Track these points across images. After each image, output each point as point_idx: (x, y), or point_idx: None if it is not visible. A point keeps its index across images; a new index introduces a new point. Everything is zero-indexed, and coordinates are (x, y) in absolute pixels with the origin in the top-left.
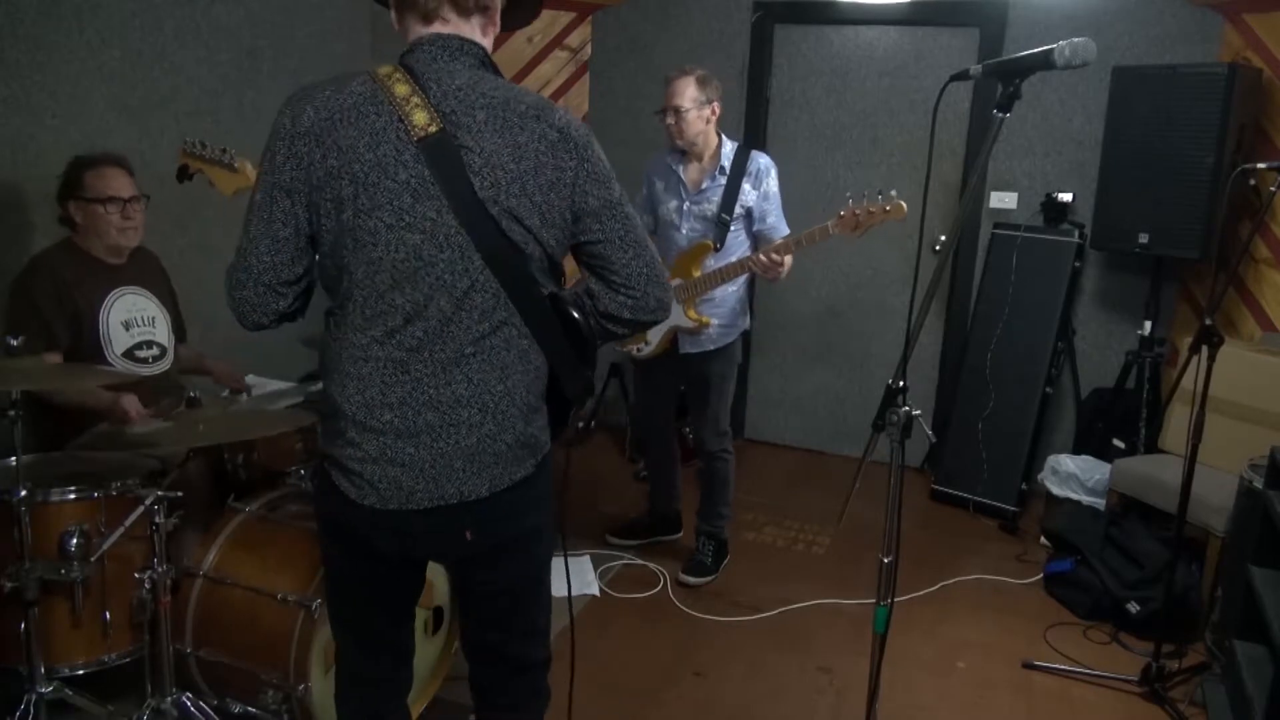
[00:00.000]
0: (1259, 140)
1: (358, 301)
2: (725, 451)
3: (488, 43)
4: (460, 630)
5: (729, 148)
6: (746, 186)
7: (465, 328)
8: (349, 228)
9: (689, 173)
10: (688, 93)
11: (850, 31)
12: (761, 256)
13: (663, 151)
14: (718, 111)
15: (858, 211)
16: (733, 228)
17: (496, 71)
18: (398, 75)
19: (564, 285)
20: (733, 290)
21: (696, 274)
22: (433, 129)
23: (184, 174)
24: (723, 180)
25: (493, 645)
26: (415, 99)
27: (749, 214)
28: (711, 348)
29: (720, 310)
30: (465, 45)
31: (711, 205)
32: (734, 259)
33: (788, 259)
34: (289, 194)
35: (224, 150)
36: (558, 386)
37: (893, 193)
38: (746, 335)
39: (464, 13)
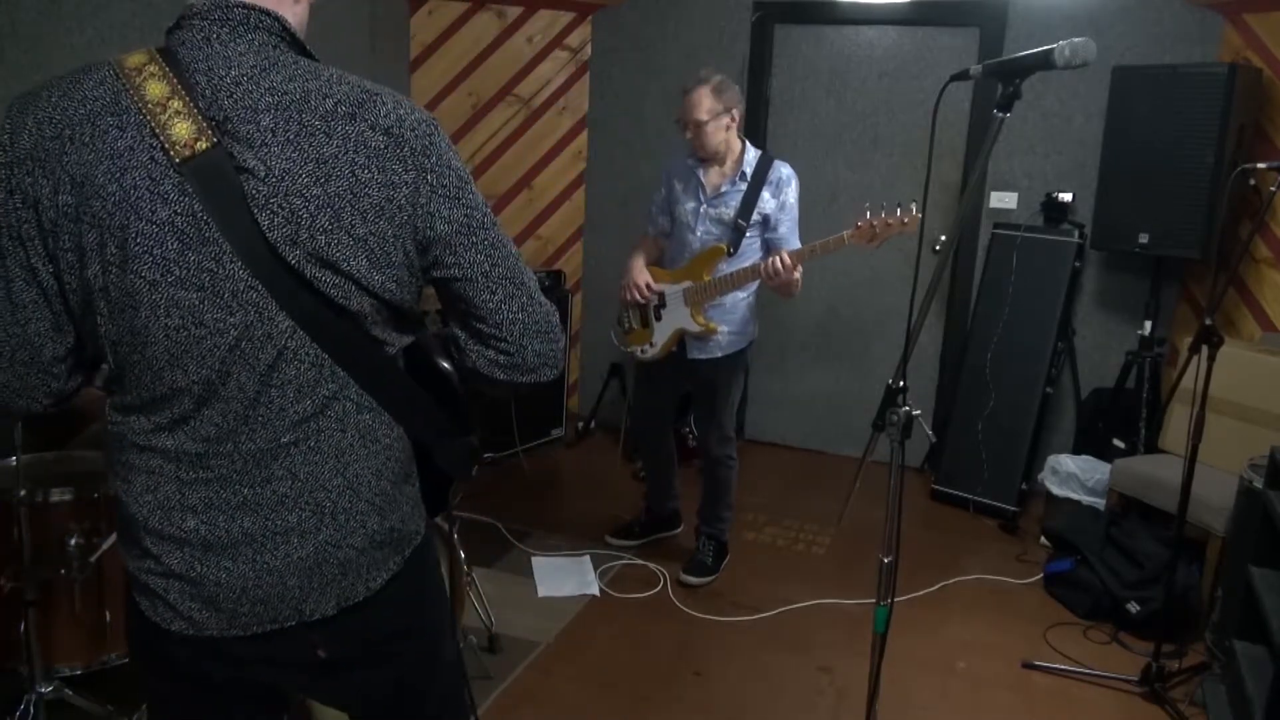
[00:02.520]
0: (1259, 140)
1: (131, 379)
2: (729, 458)
3: (297, 11)
4: None
5: (752, 154)
6: (766, 194)
7: (279, 410)
8: (99, 287)
9: (709, 176)
10: (704, 105)
11: (850, 31)
12: (775, 260)
13: (684, 154)
14: (736, 118)
15: (875, 223)
16: (748, 234)
17: (304, 51)
18: (152, 68)
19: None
20: (743, 298)
21: (707, 278)
22: (201, 145)
23: None
24: (743, 186)
25: None
26: (175, 103)
27: (765, 222)
28: (720, 355)
29: (730, 317)
30: (254, 17)
31: (729, 210)
32: (747, 265)
33: (799, 271)
34: (22, 243)
35: None
36: (430, 459)
37: (913, 206)
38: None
39: None
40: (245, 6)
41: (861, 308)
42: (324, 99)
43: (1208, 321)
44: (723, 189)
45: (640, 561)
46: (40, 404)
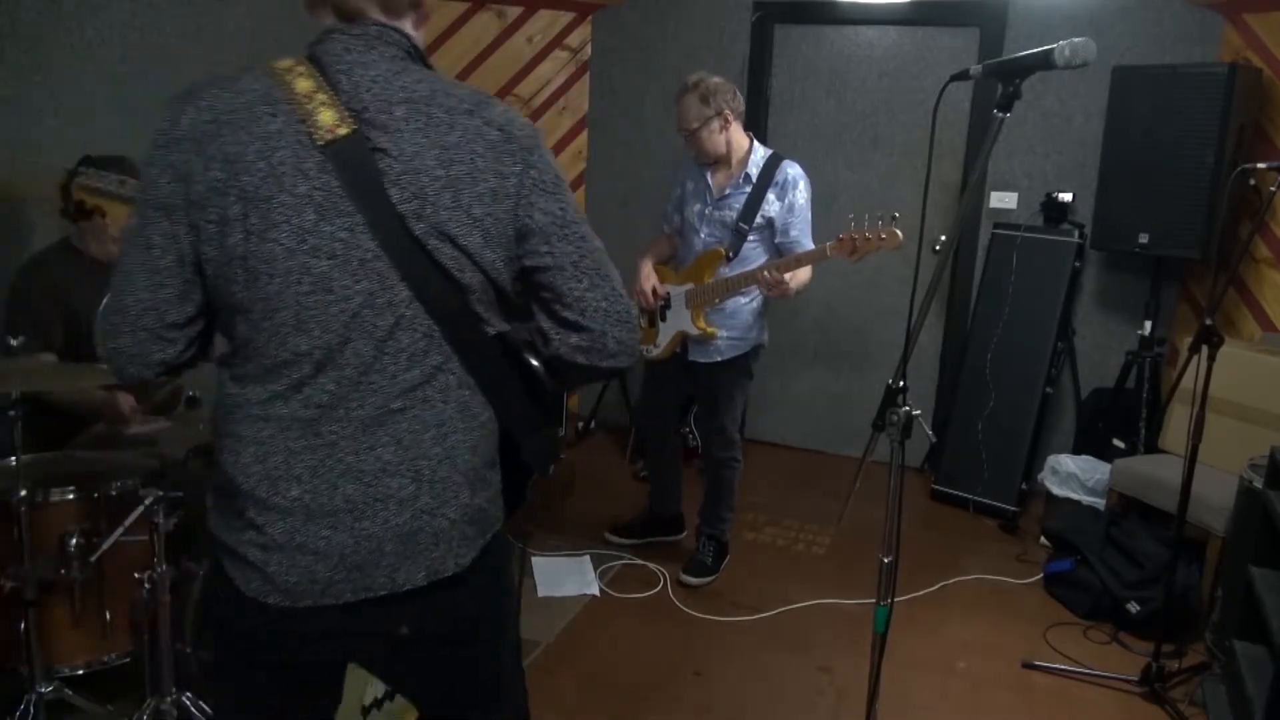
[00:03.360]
0: (1259, 140)
1: (256, 346)
2: (733, 460)
3: (419, 34)
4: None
5: (760, 154)
6: (771, 196)
7: (391, 376)
8: (238, 255)
9: (716, 177)
10: (690, 112)
11: (850, 31)
12: (765, 272)
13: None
14: (731, 119)
15: (855, 237)
16: (751, 238)
17: (427, 64)
18: (300, 69)
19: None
20: (745, 303)
21: (708, 280)
22: (342, 131)
23: (81, 211)
24: (747, 188)
25: None
26: (321, 95)
27: (770, 225)
28: (719, 359)
29: (731, 322)
30: (386, 33)
31: (732, 212)
32: (747, 270)
33: (799, 276)
34: (168, 214)
35: (121, 181)
36: (513, 450)
37: (895, 219)
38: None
39: (394, 13)
40: (379, 24)
41: (861, 308)
42: (448, 97)
43: (1208, 321)
44: (727, 191)
45: (640, 561)
46: (151, 371)
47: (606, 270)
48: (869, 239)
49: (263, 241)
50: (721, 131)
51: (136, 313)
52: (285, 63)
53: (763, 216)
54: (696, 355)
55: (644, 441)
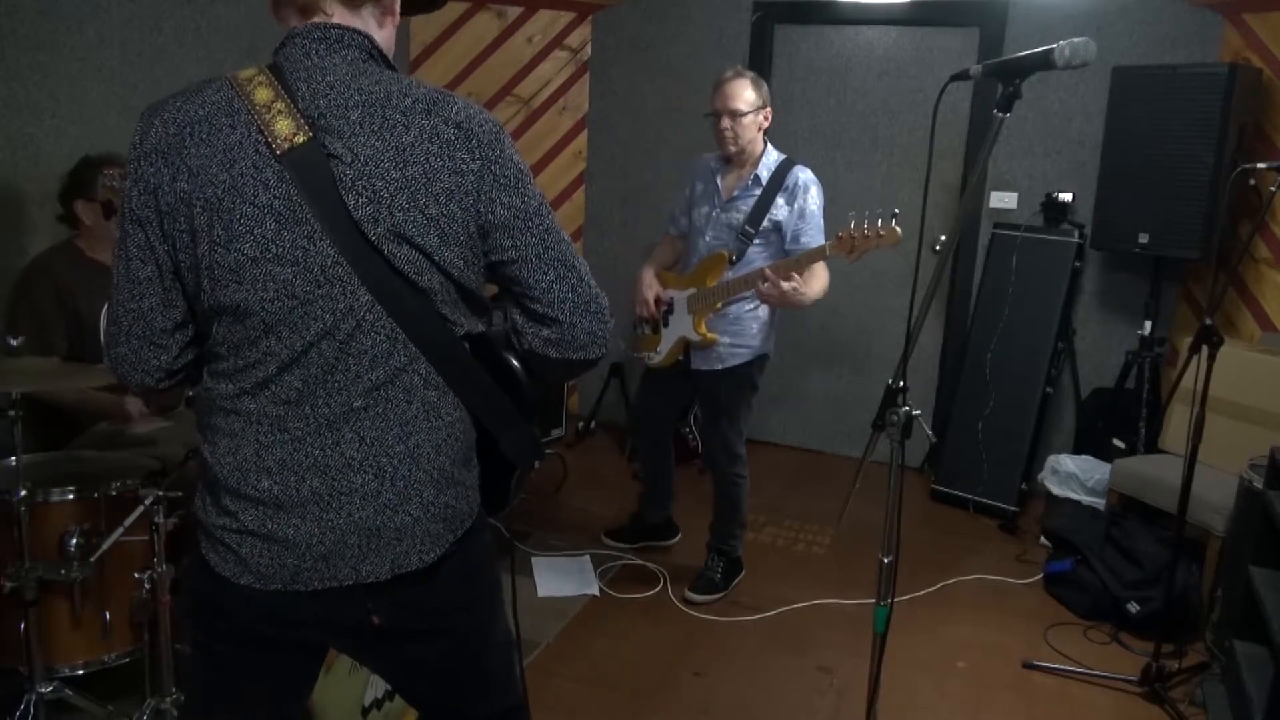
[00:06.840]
0: (1259, 140)
1: (230, 347)
2: (738, 475)
3: (383, 35)
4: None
5: (772, 158)
6: (780, 201)
7: (354, 376)
8: (207, 264)
9: (726, 179)
10: (744, 95)
11: (850, 31)
12: (759, 280)
13: (709, 154)
14: (769, 117)
15: (854, 235)
16: (757, 242)
17: (389, 65)
18: (260, 78)
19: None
20: (750, 309)
21: (711, 284)
22: (299, 139)
23: (112, 212)
24: (757, 191)
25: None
26: (279, 104)
27: (778, 230)
28: (720, 367)
29: (735, 329)
30: (347, 36)
31: (739, 215)
32: (750, 271)
33: (814, 284)
34: (141, 225)
35: None
36: (493, 446)
37: (894, 217)
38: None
39: (352, 4)
40: (340, 28)
41: (862, 308)
42: (404, 98)
43: (1208, 321)
44: (735, 193)
45: (640, 561)
46: (153, 378)
47: (573, 261)
48: (868, 237)
49: (228, 251)
50: (760, 128)
51: (127, 322)
52: (247, 72)
53: (770, 220)
54: (698, 363)
55: (637, 446)
